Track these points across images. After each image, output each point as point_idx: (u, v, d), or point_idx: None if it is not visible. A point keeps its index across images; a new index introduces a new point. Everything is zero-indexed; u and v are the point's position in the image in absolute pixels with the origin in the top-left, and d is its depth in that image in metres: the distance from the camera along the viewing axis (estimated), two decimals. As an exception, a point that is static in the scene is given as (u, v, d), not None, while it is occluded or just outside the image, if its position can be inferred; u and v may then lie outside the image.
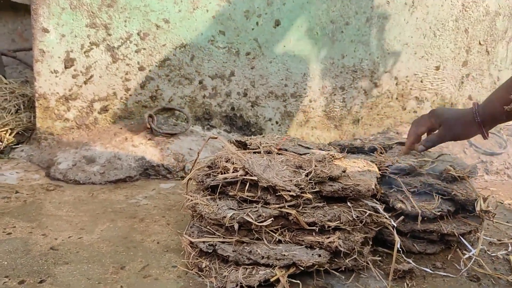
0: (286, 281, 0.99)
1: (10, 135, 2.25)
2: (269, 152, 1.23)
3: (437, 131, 1.37)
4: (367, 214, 1.10)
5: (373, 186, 1.13)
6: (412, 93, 2.63)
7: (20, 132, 2.30)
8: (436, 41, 2.58)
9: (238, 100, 2.35)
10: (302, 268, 1.01)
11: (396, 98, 2.61)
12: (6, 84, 2.68)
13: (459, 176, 1.31)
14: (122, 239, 1.31)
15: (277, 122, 2.44)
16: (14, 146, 2.20)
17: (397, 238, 1.07)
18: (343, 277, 1.10)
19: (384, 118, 2.61)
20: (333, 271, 1.09)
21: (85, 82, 2.10)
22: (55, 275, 1.08)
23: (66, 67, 2.06)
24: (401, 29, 2.48)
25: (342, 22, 2.38)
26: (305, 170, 1.10)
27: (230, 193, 1.09)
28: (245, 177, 1.06)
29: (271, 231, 1.05)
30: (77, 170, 1.88)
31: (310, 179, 1.06)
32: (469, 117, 1.25)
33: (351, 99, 2.52)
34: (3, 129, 2.26)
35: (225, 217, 1.02)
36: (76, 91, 2.10)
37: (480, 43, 2.68)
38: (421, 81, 2.62)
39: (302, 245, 1.05)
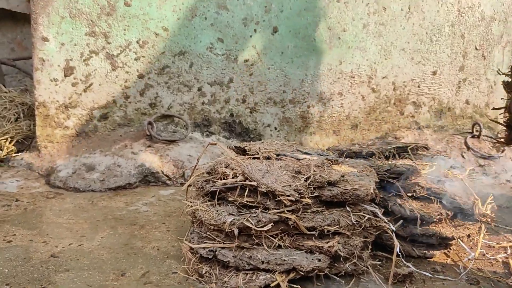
0: (287, 286, 0.99)
1: (10, 143, 2.26)
2: (268, 158, 1.24)
3: None
4: (366, 218, 1.10)
5: (372, 191, 1.14)
6: (410, 98, 2.64)
7: (20, 140, 2.31)
8: (433, 47, 2.60)
9: (237, 106, 2.36)
10: (302, 273, 1.02)
11: (394, 103, 2.62)
12: (5, 92, 2.69)
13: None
14: (122, 246, 1.32)
15: (275, 128, 2.45)
16: (14, 154, 2.21)
17: (396, 242, 1.08)
18: (343, 281, 1.10)
19: (382, 123, 2.63)
20: (333, 276, 1.09)
21: (84, 90, 2.11)
22: (55, 282, 1.08)
23: (65, 75, 2.07)
24: (397, 35, 2.51)
25: (339, 28, 2.40)
26: (304, 175, 1.10)
27: (230, 199, 1.10)
28: (244, 182, 1.07)
29: (271, 236, 1.06)
30: (77, 178, 1.89)
31: (309, 184, 1.07)
32: None
33: (349, 105, 2.53)
34: (3, 138, 2.26)
35: (225, 222, 1.03)
36: (75, 99, 2.11)
37: (476, 48, 2.71)
38: (418, 86, 2.64)
39: (302, 250, 1.05)
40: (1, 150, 2.22)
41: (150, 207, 1.69)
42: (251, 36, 2.29)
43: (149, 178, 1.97)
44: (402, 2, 2.46)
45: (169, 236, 1.41)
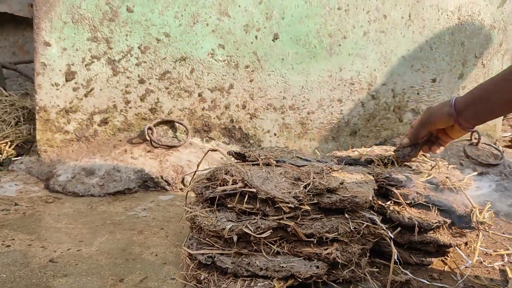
0: (285, 292, 0.99)
1: (9, 147, 2.27)
2: (268, 164, 1.24)
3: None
4: (364, 225, 1.11)
5: (371, 198, 1.14)
6: (409, 105, 2.65)
7: (19, 144, 2.32)
8: (433, 54, 2.61)
9: (237, 112, 2.37)
10: (300, 280, 1.02)
11: (393, 110, 2.63)
12: (6, 96, 2.70)
13: (455, 188, 1.32)
14: (121, 251, 1.32)
15: (275, 134, 2.46)
16: (13, 158, 2.21)
17: (394, 250, 1.08)
18: (341, 288, 1.11)
19: (381, 129, 2.63)
20: (331, 283, 1.09)
21: (85, 95, 2.12)
22: (54, 287, 1.08)
23: (67, 80, 2.08)
24: (398, 42, 2.52)
25: (340, 35, 2.41)
26: (303, 182, 1.11)
27: (229, 205, 1.10)
28: (244, 189, 1.07)
29: (270, 242, 1.06)
30: (77, 182, 1.89)
31: (308, 191, 1.08)
32: (447, 100, 1.23)
33: (348, 111, 2.54)
34: (3, 141, 2.27)
35: (224, 229, 1.03)
36: (76, 104, 2.12)
37: (476, 56, 2.72)
38: (418, 93, 2.65)
39: (300, 256, 1.06)
40: (1, 154, 2.23)
41: (149, 213, 1.69)
42: (252, 43, 2.30)
43: (148, 183, 1.98)
44: (403, 10, 2.48)
45: (167, 241, 1.41)
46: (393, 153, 1.49)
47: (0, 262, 1.20)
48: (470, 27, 2.64)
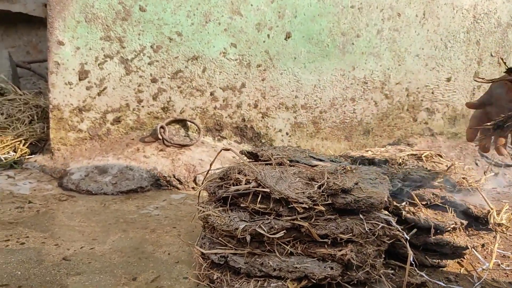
0: (298, 293, 0.98)
1: (23, 145, 2.29)
2: (281, 164, 1.23)
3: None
4: (380, 226, 1.09)
5: (386, 199, 1.13)
6: (423, 104, 2.62)
7: (33, 143, 2.34)
8: (447, 53, 2.57)
9: (248, 111, 2.36)
10: (314, 281, 1.01)
11: (407, 110, 2.60)
12: (20, 95, 2.73)
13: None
14: (133, 250, 1.32)
15: (287, 133, 2.45)
16: (27, 156, 2.23)
17: (410, 251, 1.06)
18: (355, 290, 1.09)
19: (395, 129, 2.60)
20: (345, 284, 1.08)
21: (98, 94, 2.13)
22: (67, 285, 1.09)
23: (80, 79, 2.09)
24: (412, 41, 2.49)
25: (353, 34, 2.39)
26: (317, 182, 1.09)
27: (242, 205, 1.09)
28: (257, 188, 1.06)
29: (283, 243, 1.05)
30: (90, 181, 1.90)
31: (322, 191, 1.06)
32: None
33: (361, 110, 2.52)
34: (17, 140, 2.29)
35: (237, 228, 1.02)
36: (89, 103, 2.13)
37: (491, 55, 2.67)
38: (432, 93, 2.61)
39: (314, 257, 1.04)
40: (15, 152, 2.25)
41: (161, 211, 1.69)
42: (264, 41, 2.29)
43: (160, 182, 1.98)
44: (417, 8, 2.44)
45: (180, 240, 1.41)
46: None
47: (15, 259, 1.20)
48: (486, 26, 2.60)
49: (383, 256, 1.18)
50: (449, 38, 2.55)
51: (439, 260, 1.27)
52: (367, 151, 1.66)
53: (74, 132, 2.14)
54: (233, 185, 1.12)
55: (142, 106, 2.21)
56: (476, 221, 1.30)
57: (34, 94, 2.85)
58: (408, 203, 1.28)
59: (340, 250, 1.03)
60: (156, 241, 1.40)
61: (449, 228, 1.22)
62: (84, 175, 1.93)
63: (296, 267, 1.01)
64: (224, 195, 1.13)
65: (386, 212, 1.17)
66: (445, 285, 1.16)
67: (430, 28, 2.50)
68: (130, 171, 1.96)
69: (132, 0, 2.08)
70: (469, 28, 2.57)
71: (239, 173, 1.13)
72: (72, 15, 2.03)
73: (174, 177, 1.99)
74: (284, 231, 1.02)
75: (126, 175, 1.93)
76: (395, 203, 1.27)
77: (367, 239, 1.08)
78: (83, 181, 1.90)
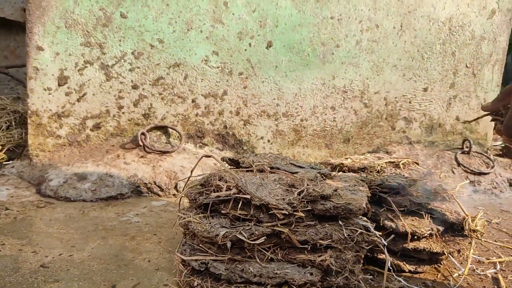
0: (278, 299, 0.99)
1: (1, 151, 2.24)
2: (261, 171, 1.24)
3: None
4: (358, 232, 1.11)
5: (364, 205, 1.15)
6: (401, 113, 2.67)
7: (11, 149, 2.29)
8: (424, 64, 2.64)
9: (230, 118, 2.38)
10: (295, 287, 1.02)
11: (386, 118, 2.65)
12: (-3, 100, 2.68)
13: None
14: (113, 257, 1.31)
15: (269, 141, 2.47)
16: (4, 163, 2.19)
17: (388, 257, 1.09)
18: (335, 295, 1.10)
19: (374, 137, 2.65)
20: (324, 290, 1.09)
21: (78, 100, 2.11)
22: (45, 293, 1.07)
23: (59, 85, 2.07)
24: (390, 51, 2.55)
25: (333, 44, 2.43)
26: (297, 188, 1.11)
27: (223, 211, 1.10)
28: (238, 195, 1.07)
29: (264, 249, 1.06)
30: (68, 187, 1.88)
31: (302, 198, 1.08)
32: None
33: (341, 119, 2.56)
34: (-7, 146, 2.25)
35: (218, 235, 1.03)
36: (69, 108, 2.11)
37: (466, 66, 2.75)
38: (410, 102, 2.67)
39: (294, 263, 1.05)
40: (-8, 158, 2.20)
41: (141, 218, 1.68)
42: (245, 50, 2.31)
43: (141, 189, 1.97)
44: (395, 20, 2.50)
45: (160, 247, 1.40)
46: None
47: (-10, 267, 1.18)
48: (461, 38, 2.68)
49: (362, 261, 1.19)
50: (425, 49, 2.62)
51: (417, 266, 1.29)
52: (347, 158, 1.69)
53: (53, 138, 2.11)
54: (214, 192, 1.12)
55: (123, 113, 2.20)
56: (452, 228, 1.34)
57: (12, 100, 2.80)
58: (386, 209, 1.30)
59: (319, 256, 1.05)
60: (136, 248, 1.39)
61: (426, 234, 1.25)
62: (63, 182, 1.90)
63: (276, 273, 1.02)
64: (205, 202, 1.13)
65: (365, 218, 1.20)
66: (421, 290, 1.19)
67: (407, 40, 2.56)
68: (110, 177, 1.94)
69: (113, 6, 2.08)
70: (445, 40, 2.65)
71: (220, 180, 1.13)
72: (52, 20, 2.01)
73: (155, 183, 1.98)
74: (265, 237, 1.03)
75: (106, 182, 1.92)
76: (373, 210, 1.30)
77: (346, 245, 1.10)
78: (62, 188, 1.87)
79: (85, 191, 1.87)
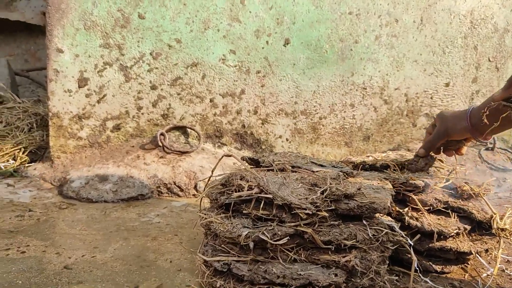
0: (303, 301, 0.97)
1: (23, 153, 2.28)
2: (282, 170, 1.23)
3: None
4: (383, 232, 1.09)
5: (389, 204, 1.12)
6: (422, 109, 2.62)
7: (33, 151, 2.33)
8: (446, 58, 2.58)
9: (248, 117, 2.36)
10: (318, 288, 1.00)
11: (406, 115, 2.60)
12: (19, 103, 2.72)
13: (474, 193, 1.30)
14: (135, 258, 1.31)
15: (287, 139, 2.45)
16: (27, 165, 2.22)
17: (414, 257, 1.06)
18: (360, 296, 1.08)
19: (395, 134, 2.61)
20: (349, 291, 1.07)
21: (98, 101, 2.13)
22: (69, 294, 1.08)
23: (79, 87, 2.09)
24: (410, 46, 2.50)
25: (351, 40, 2.40)
26: (320, 187, 1.09)
27: (245, 211, 1.09)
28: (260, 195, 1.06)
29: (286, 249, 1.04)
30: (90, 188, 1.89)
31: (325, 197, 1.06)
32: (462, 112, 1.25)
33: (361, 116, 2.52)
34: (16, 148, 2.28)
35: (240, 235, 1.02)
36: (89, 110, 2.13)
37: (489, 60, 2.69)
38: (431, 98, 2.62)
39: (318, 264, 1.04)
40: (15, 160, 2.24)
41: (162, 219, 1.68)
42: (263, 48, 2.30)
43: (161, 189, 1.97)
44: (414, 14, 2.45)
45: (181, 248, 1.40)
46: (408, 161, 1.46)
47: (16, 268, 1.19)
48: (483, 31, 2.61)
49: (387, 262, 1.17)
50: (447, 43, 2.56)
51: (443, 266, 1.26)
52: (368, 156, 1.66)
53: (74, 140, 2.13)
54: (235, 191, 1.11)
55: (142, 113, 2.21)
56: (479, 226, 1.30)
57: (33, 102, 2.85)
58: (410, 208, 1.27)
59: (344, 257, 1.02)
60: (158, 248, 1.39)
61: (452, 234, 1.21)
62: (84, 183, 1.92)
63: (300, 274, 1.00)
64: (226, 202, 1.12)
65: (389, 218, 1.17)
66: (449, 291, 1.16)
67: (427, 34, 2.51)
68: (131, 178, 1.95)
69: (131, 7, 2.08)
70: (466, 33, 2.58)
71: (241, 179, 1.12)
72: (71, 22, 2.03)
73: (175, 184, 1.98)
74: (287, 237, 1.02)
75: (127, 183, 1.93)
76: (397, 209, 1.27)
77: (371, 245, 1.07)
78: (84, 189, 1.89)
79: (107, 192, 1.88)
